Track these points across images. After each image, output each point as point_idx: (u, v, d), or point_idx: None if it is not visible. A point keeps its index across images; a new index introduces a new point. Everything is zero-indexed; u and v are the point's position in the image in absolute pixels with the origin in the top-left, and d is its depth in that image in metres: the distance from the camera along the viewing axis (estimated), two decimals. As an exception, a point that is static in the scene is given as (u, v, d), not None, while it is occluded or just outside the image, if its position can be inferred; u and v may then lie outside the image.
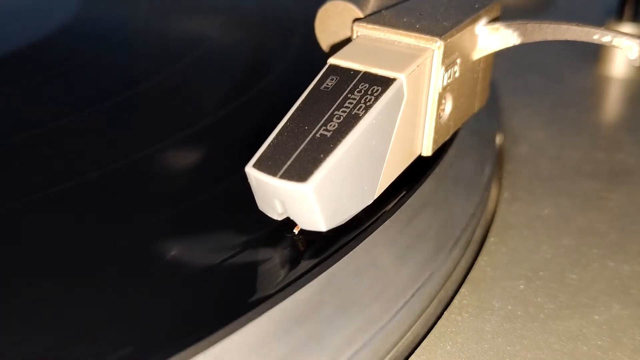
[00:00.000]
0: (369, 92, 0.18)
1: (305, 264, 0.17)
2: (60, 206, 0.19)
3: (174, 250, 0.18)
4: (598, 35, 0.20)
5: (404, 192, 0.20)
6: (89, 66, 0.27)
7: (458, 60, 0.20)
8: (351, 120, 0.17)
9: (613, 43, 0.20)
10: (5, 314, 0.16)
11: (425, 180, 0.21)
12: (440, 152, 0.22)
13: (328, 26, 0.22)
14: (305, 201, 0.17)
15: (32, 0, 0.33)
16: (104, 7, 0.33)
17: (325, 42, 0.23)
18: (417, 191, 0.21)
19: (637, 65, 0.20)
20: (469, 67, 0.21)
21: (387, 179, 0.19)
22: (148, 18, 0.32)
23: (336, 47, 0.21)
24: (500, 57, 0.24)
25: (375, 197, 0.19)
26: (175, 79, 0.26)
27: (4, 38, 0.29)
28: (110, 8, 0.33)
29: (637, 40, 0.20)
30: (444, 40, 0.19)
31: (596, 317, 0.20)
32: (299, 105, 0.18)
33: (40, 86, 0.26)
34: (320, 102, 0.18)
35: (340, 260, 0.18)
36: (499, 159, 0.26)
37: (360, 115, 0.18)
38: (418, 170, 0.21)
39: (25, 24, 0.31)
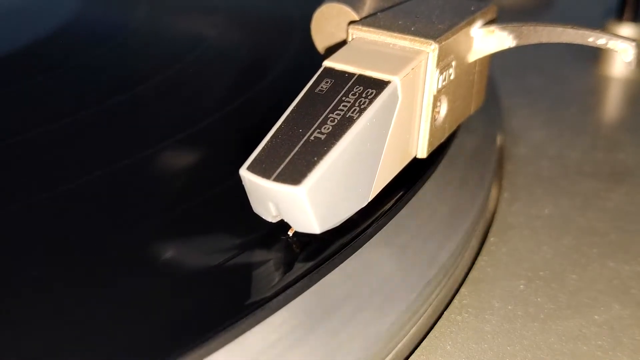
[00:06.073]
0: (364, 95, 0.18)
1: (299, 266, 0.17)
2: (58, 207, 0.19)
3: (168, 253, 0.18)
4: (593, 38, 0.20)
5: (403, 193, 0.20)
6: (89, 66, 0.27)
7: (453, 63, 0.20)
8: (345, 123, 0.17)
9: (608, 46, 0.20)
10: (4, 314, 0.16)
11: (424, 180, 0.22)
12: (440, 152, 0.22)
13: (324, 28, 0.22)
14: (299, 204, 0.17)
15: (33, 0, 0.33)
16: (104, 7, 0.33)
17: (321, 44, 0.23)
18: (416, 192, 0.21)
19: (633, 67, 0.20)
20: (465, 69, 0.21)
21: (381, 182, 0.19)
22: (148, 18, 0.32)
23: (332, 49, 0.21)
24: (500, 57, 0.24)
25: (369, 200, 0.19)
26: (173, 80, 0.26)
27: (3, 38, 0.29)
28: (110, 8, 0.33)
29: (632, 43, 0.20)
30: (439, 43, 0.19)
31: (596, 317, 0.20)
32: (294, 108, 0.18)
33: (40, 86, 0.26)
34: (315, 104, 0.18)
35: (338, 263, 0.18)
36: (499, 159, 0.26)
37: (355, 118, 0.18)
38: (417, 171, 0.21)
39: (25, 24, 0.31)
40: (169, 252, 0.18)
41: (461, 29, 0.20)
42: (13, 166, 0.21)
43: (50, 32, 0.29)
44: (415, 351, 0.19)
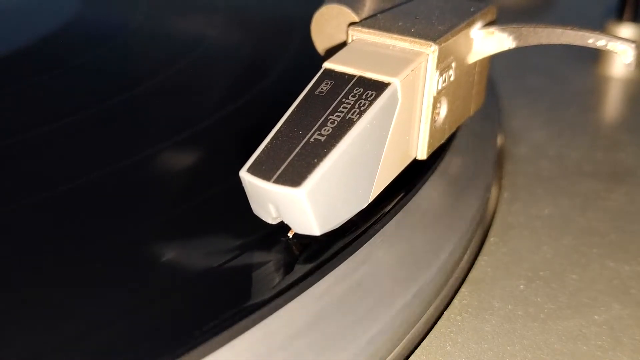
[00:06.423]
0: (363, 97, 0.18)
1: (299, 268, 0.17)
2: (58, 207, 0.19)
3: (168, 253, 0.18)
4: (593, 40, 0.20)
5: (403, 194, 0.20)
6: (89, 66, 0.27)
7: (453, 64, 0.20)
8: (345, 125, 0.17)
9: (608, 47, 0.20)
10: (4, 314, 0.16)
11: (424, 180, 0.22)
12: (440, 152, 0.22)
13: (324, 29, 0.22)
14: (299, 206, 0.17)
15: (33, 0, 0.33)
16: (104, 7, 0.33)
17: (321, 46, 0.23)
18: (417, 192, 0.21)
19: (632, 69, 0.20)
20: (464, 70, 0.21)
21: (381, 183, 0.19)
22: (148, 18, 0.32)
23: (332, 51, 0.21)
24: (500, 58, 0.24)
25: (369, 202, 0.19)
26: (173, 80, 0.27)
27: (4, 38, 0.29)
28: (110, 8, 0.33)
29: (632, 45, 0.20)
30: (439, 44, 0.19)
31: (596, 317, 0.20)
32: (294, 109, 0.18)
33: (40, 86, 0.26)
34: (315, 106, 0.18)
35: (337, 264, 0.18)
36: (499, 159, 0.26)
37: (355, 119, 0.18)
38: (417, 171, 0.21)
39: (25, 24, 0.31)
40: (169, 253, 0.18)
41: (461, 30, 0.20)
42: (13, 166, 0.21)
43: (50, 32, 0.29)
44: (415, 351, 0.19)
